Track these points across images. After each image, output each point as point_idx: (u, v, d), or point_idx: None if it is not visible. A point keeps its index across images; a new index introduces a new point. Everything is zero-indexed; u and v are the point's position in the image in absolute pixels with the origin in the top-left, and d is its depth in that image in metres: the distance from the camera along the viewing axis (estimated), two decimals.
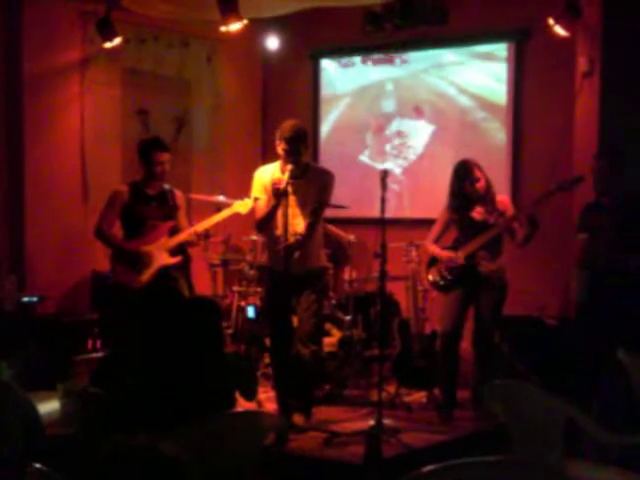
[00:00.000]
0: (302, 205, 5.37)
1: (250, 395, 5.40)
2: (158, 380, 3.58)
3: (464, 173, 5.72)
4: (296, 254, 5.28)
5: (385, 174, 5.15)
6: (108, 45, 6.66)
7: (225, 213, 5.90)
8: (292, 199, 5.29)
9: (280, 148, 5.32)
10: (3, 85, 6.59)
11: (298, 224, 5.35)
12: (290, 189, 5.23)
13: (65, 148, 6.92)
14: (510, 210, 5.75)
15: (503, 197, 5.96)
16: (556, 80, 6.65)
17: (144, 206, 5.80)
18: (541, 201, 5.59)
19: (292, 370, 5.42)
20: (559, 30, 6.05)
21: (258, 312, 6.63)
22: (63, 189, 6.87)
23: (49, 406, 4.99)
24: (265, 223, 5.43)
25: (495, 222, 5.64)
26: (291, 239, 5.23)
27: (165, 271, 5.76)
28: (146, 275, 5.71)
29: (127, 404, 3.41)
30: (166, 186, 5.92)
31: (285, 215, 5.20)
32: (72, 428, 4.15)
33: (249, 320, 6.67)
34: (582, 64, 6.10)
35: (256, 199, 5.50)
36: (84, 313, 6.63)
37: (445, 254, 5.77)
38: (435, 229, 5.91)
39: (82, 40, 6.91)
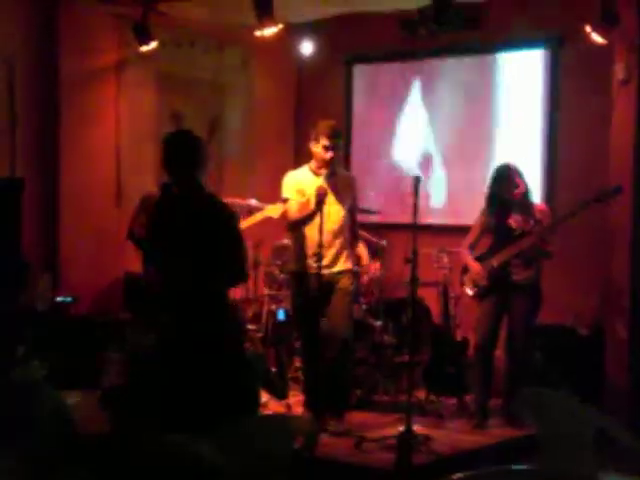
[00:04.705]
0: (340, 202, 5.47)
1: (279, 394, 5.39)
2: (187, 380, 3.60)
3: (503, 178, 5.67)
4: (327, 256, 5.34)
5: (417, 180, 5.06)
6: (144, 49, 6.70)
7: (257, 217, 5.92)
8: (330, 197, 5.36)
9: (321, 145, 5.37)
10: (39, 88, 6.66)
11: (335, 222, 5.41)
12: (329, 189, 5.36)
13: (100, 150, 6.98)
14: (548, 219, 5.67)
15: (542, 206, 5.90)
16: (592, 88, 6.59)
17: None
18: (577, 212, 5.53)
19: (325, 374, 5.43)
20: (596, 38, 6.01)
21: (288, 315, 6.64)
22: (98, 191, 6.93)
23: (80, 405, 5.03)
24: (300, 225, 5.49)
25: (531, 230, 5.58)
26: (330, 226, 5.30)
27: None
28: None
29: (159, 404, 3.43)
30: None
31: (321, 217, 5.26)
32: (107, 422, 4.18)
33: (279, 323, 6.68)
34: (619, 71, 6.05)
35: (286, 200, 5.55)
36: (117, 313, 6.68)
37: (475, 268, 5.73)
38: (471, 235, 5.86)
39: (118, 43, 6.98)
